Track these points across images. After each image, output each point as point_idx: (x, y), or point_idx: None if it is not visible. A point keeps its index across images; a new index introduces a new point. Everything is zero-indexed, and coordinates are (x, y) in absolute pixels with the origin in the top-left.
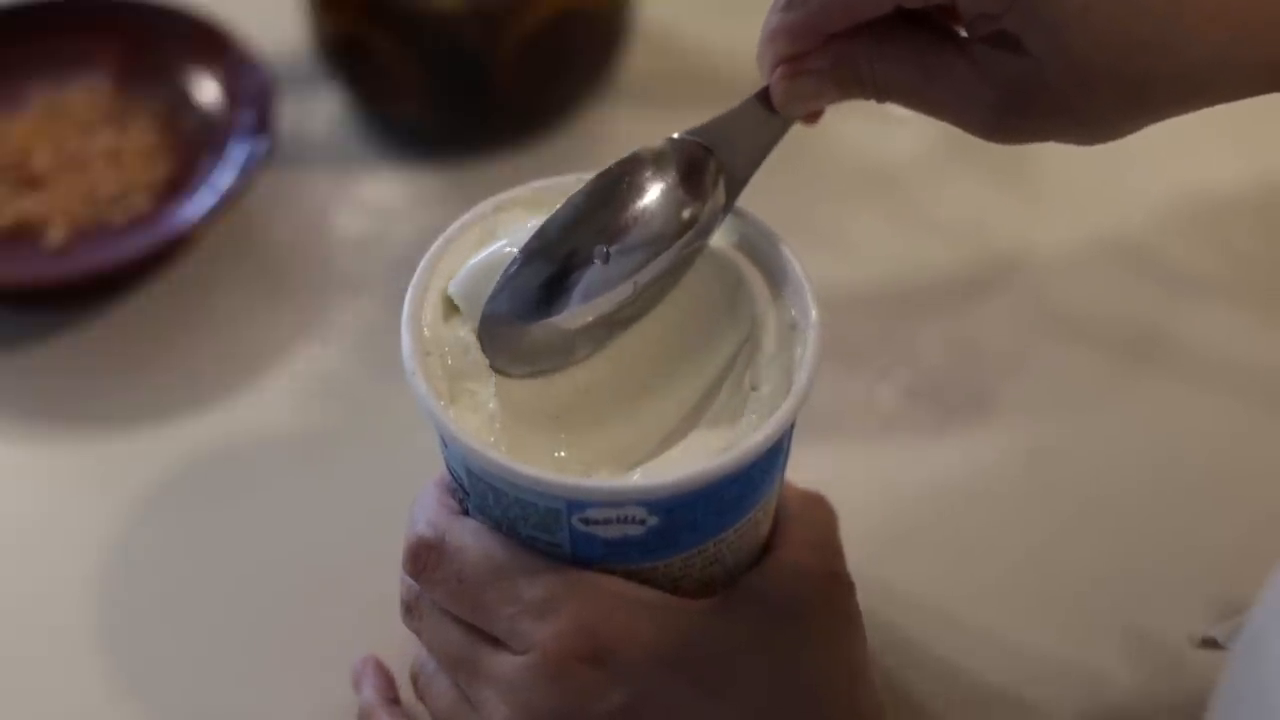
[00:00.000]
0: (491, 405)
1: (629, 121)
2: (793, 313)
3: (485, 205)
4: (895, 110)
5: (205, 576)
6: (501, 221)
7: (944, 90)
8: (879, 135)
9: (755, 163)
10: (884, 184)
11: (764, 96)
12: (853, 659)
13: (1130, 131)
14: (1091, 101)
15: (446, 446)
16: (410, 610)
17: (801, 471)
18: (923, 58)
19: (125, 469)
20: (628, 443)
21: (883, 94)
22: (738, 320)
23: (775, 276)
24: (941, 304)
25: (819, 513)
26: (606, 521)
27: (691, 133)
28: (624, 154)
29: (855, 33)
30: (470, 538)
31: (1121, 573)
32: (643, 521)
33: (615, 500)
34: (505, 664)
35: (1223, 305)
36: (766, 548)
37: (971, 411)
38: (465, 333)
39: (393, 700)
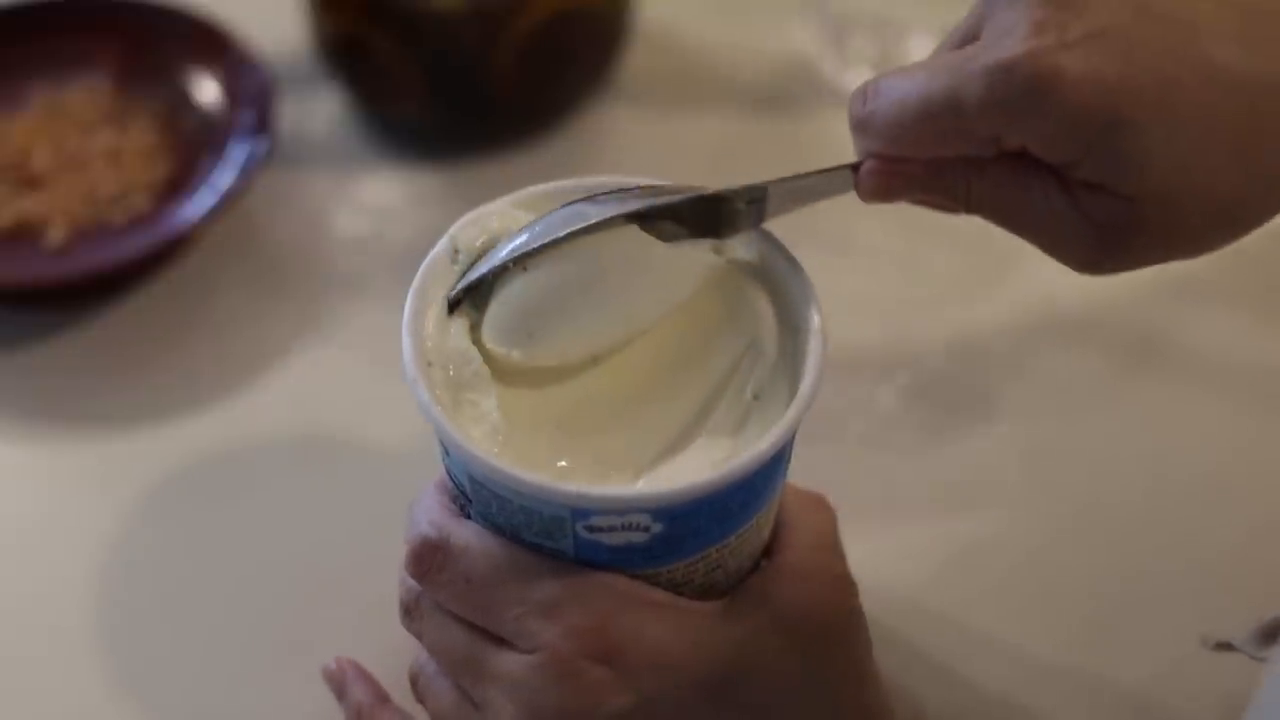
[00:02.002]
0: (494, 416)
1: (629, 121)
2: (796, 319)
3: (484, 209)
4: None
5: (205, 576)
6: (500, 225)
7: (1042, 222)
8: None
9: (792, 209)
10: None
11: (856, 167)
12: (860, 660)
13: (1233, 241)
14: (1188, 231)
15: (449, 454)
16: (410, 612)
17: (802, 472)
18: (1024, 189)
19: (125, 469)
20: (631, 451)
21: (975, 211)
22: (739, 328)
23: (778, 282)
24: (942, 305)
25: (820, 514)
26: (611, 529)
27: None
28: (623, 154)
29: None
30: (475, 539)
31: (1122, 574)
32: (647, 529)
33: (620, 508)
34: (512, 664)
35: (1223, 307)
36: (768, 550)
37: (972, 413)
38: (466, 344)
39: (385, 699)
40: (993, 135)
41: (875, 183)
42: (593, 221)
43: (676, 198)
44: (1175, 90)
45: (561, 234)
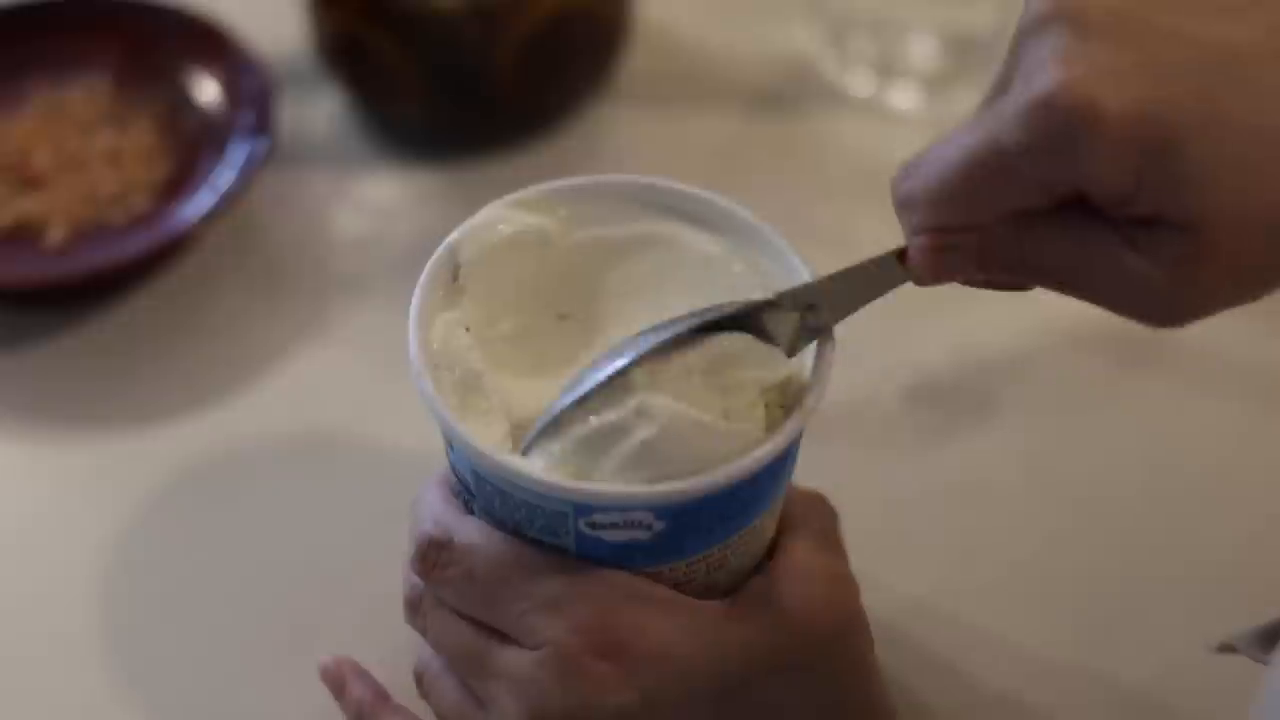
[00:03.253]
0: (501, 422)
1: (629, 121)
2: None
3: (488, 210)
4: (895, 110)
5: (205, 576)
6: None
7: (1106, 276)
8: (880, 136)
9: (851, 311)
10: (885, 185)
11: (900, 255)
12: (862, 659)
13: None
14: (1257, 256)
15: (453, 449)
16: (414, 609)
17: (803, 472)
18: (1081, 244)
19: (125, 469)
20: None
21: (1032, 276)
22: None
23: (785, 285)
24: (943, 305)
25: (821, 513)
26: (613, 526)
27: (807, 292)
28: (623, 154)
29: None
30: (480, 535)
31: (1122, 574)
32: (650, 526)
33: (623, 505)
34: (516, 660)
35: None
36: (770, 550)
37: (973, 413)
38: (474, 356)
39: (385, 697)
40: (1040, 180)
41: (927, 260)
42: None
43: (730, 309)
44: (1223, 108)
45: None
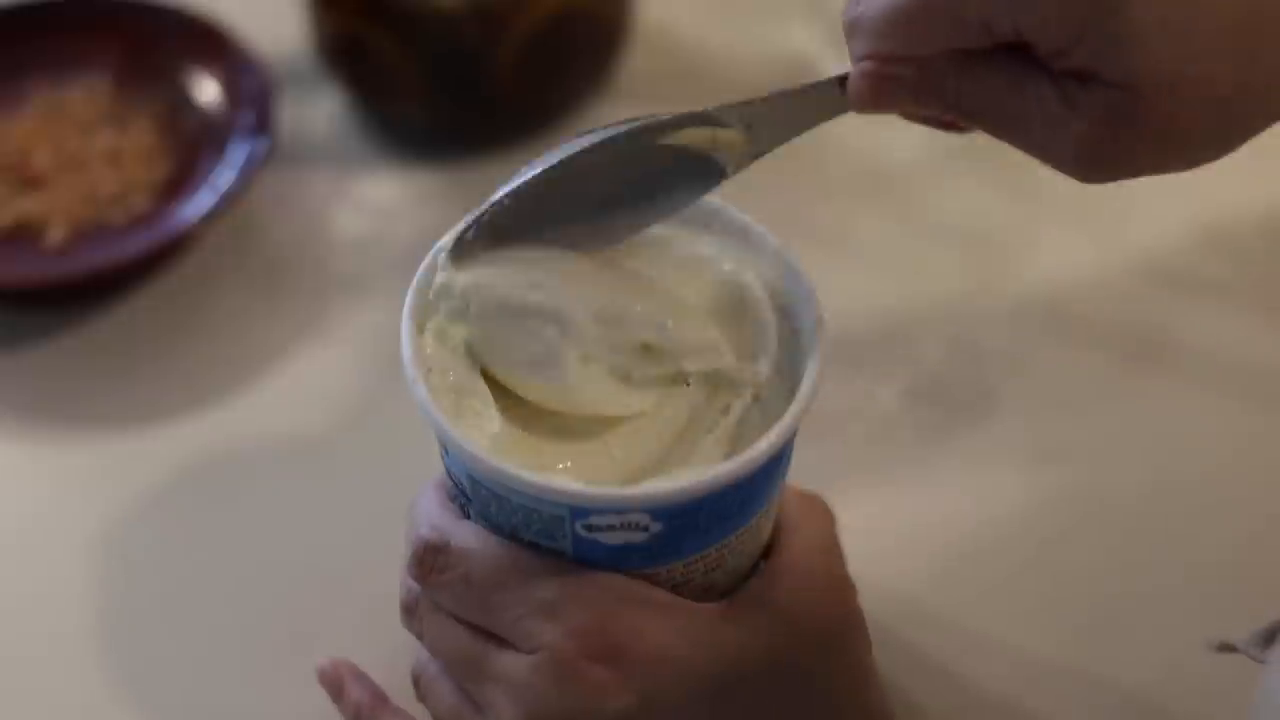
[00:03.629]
0: (496, 421)
1: None
2: (795, 319)
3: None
4: None
5: (205, 577)
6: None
7: (1034, 122)
8: (880, 136)
9: (786, 139)
10: (885, 185)
11: (841, 82)
12: (860, 660)
13: (1229, 150)
14: (1183, 126)
15: (448, 454)
16: (410, 613)
17: (802, 472)
18: (1015, 85)
19: (125, 469)
20: (629, 455)
21: (966, 115)
22: (740, 329)
23: (778, 282)
24: (942, 305)
25: (818, 514)
26: (610, 528)
27: (734, 110)
28: None
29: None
30: (476, 540)
31: (1122, 574)
32: (646, 528)
33: (620, 507)
34: (513, 664)
35: (1225, 306)
36: (767, 551)
37: (973, 413)
38: (466, 358)
39: (384, 699)
40: (983, 20)
41: (866, 85)
42: (587, 145)
43: (665, 117)
44: None
45: (554, 161)
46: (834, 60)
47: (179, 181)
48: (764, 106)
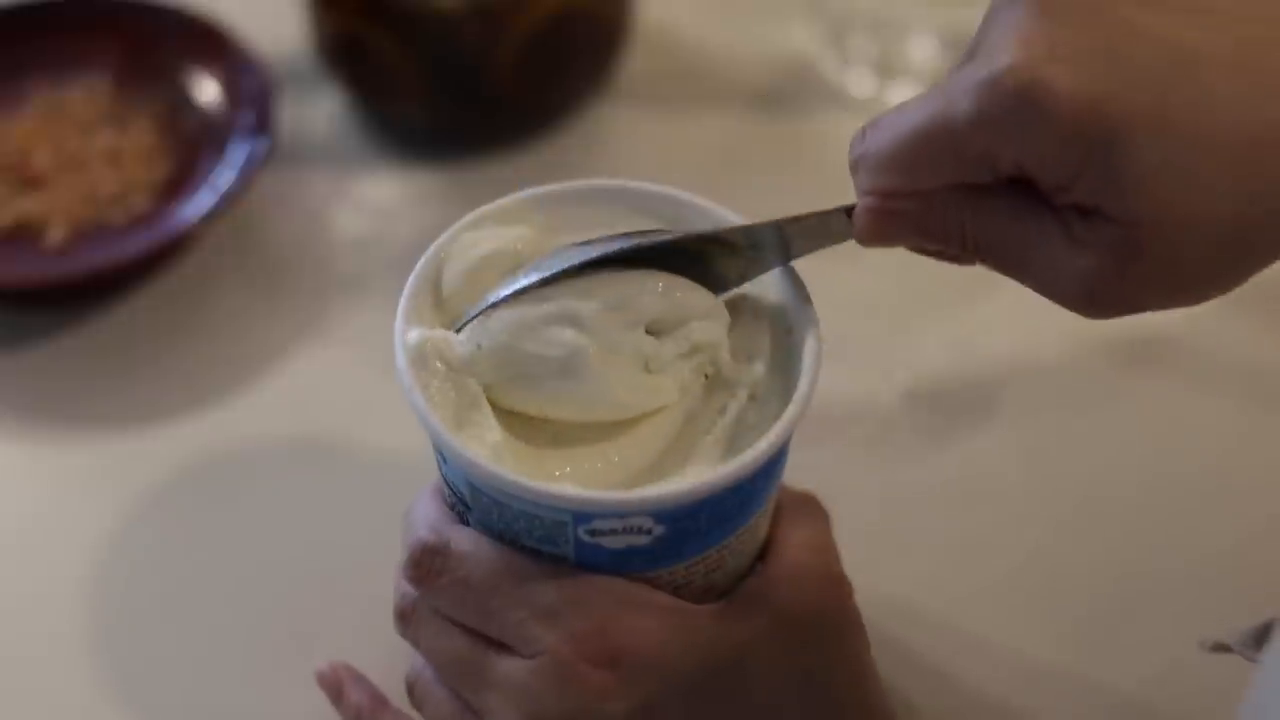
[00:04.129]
0: (496, 433)
1: (629, 121)
2: (790, 319)
3: (465, 220)
4: None
5: (205, 577)
6: (480, 237)
7: (1038, 255)
8: None
9: (794, 257)
10: None
11: (849, 212)
12: (858, 658)
13: (1237, 284)
14: (1188, 261)
15: (447, 462)
16: (405, 618)
17: (801, 472)
18: (1019, 220)
19: (125, 469)
20: (628, 460)
21: (971, 250)
22: (735, 328)
23: (774, 284)
24: (942, 305)
25: (813, 514)
26: (613, 532)
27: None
28: (623, 154)
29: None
30: (475, 543)
31: (1122, 575)
32: (649, 531)
33: (622, 511)
34: (512, 669)
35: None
36: (763, 551)
37: (972, 413)
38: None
39: (384, 702)
40: (985, 155)
41: (870, 220)
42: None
43: (671, 236)
44: (1173, 111)
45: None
46: (834, 60)
47: (179, 181)
48: (775, 229)
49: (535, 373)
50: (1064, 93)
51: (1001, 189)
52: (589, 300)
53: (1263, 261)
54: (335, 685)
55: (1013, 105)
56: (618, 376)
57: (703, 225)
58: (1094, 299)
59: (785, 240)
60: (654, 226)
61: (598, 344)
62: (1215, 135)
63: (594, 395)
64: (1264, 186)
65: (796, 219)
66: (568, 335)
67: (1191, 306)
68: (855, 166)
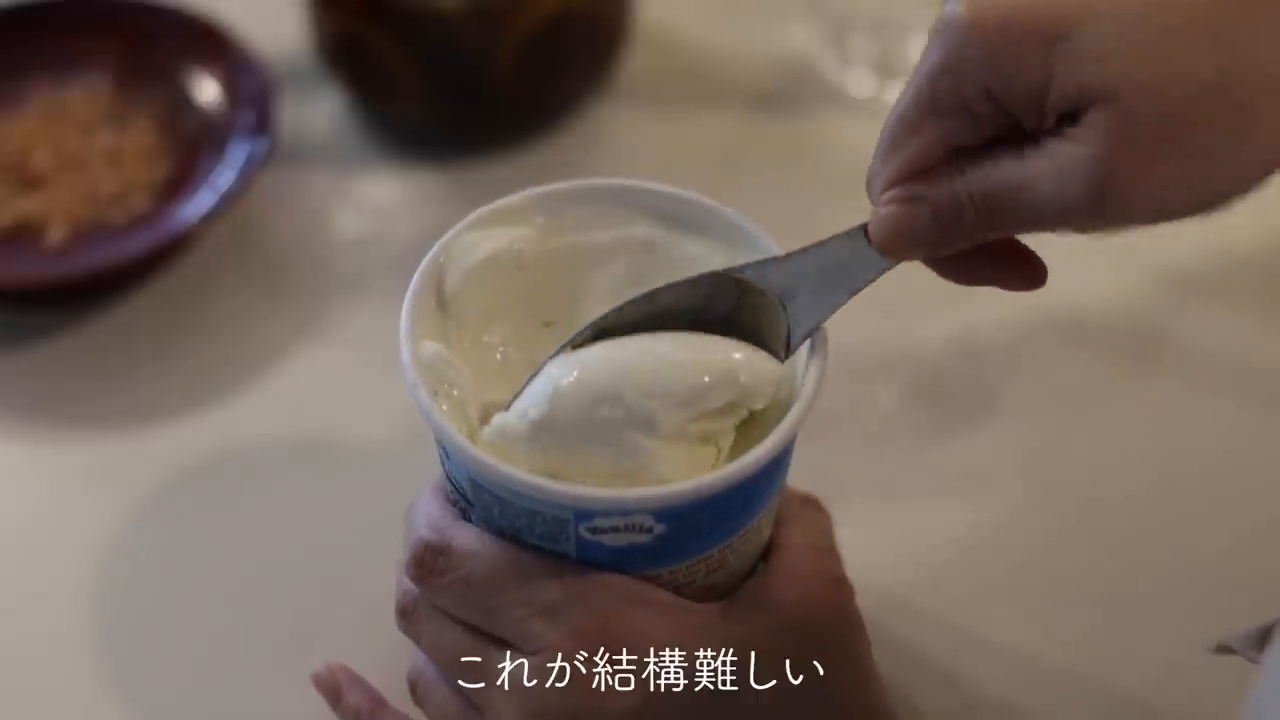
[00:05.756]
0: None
1: (629, 121)
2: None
3: (466, 220)
4: None
5: (205, 577)
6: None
7: (1041, 175)
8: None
9: (830, 310)
10: None
11: (865, 230)
12: (860, 659)
13: (1254, 174)
14: (1183, 126)
15: (449, 458)
16: (407, 616)
17: (802, 472)
18: (1015, 157)
19: (125, 469)
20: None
21: (981, 211)
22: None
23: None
24: (942, 304)
25: (815, 516)
26: (614, 530)
27: (772, 265)
28: (623, 154)
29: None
30: (476, 541)
31: (1123, 575)
32: (650, 530)
33: (624, 509)
34: (514, 666)
35: (1223, 305)
36: (765, 551)
37: (972, 412)
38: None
39: (382, 703)
40: (960, 99)
41: (888, 216)
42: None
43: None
44: (1099, 4)
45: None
46: (834, 60)
47: (179, 181)
48: (792, 263)
49: (594, 462)
50: (993, 15)
51: (993, 145)
52: (660, 393)
53: (1268, 124)
54: (333, 687)
55: (963, 36)
56: (669, 458)
57: (711, 226)
58: (1105, 193)
59: (811, 271)
60: (661, 228)
61: (664, 440)
62: (1148, 13)
63: (640, 471)
64: (1238, 31)
65: (809, 249)
66: (641, 442)
67: (1216, 206)
68: (869, 183)
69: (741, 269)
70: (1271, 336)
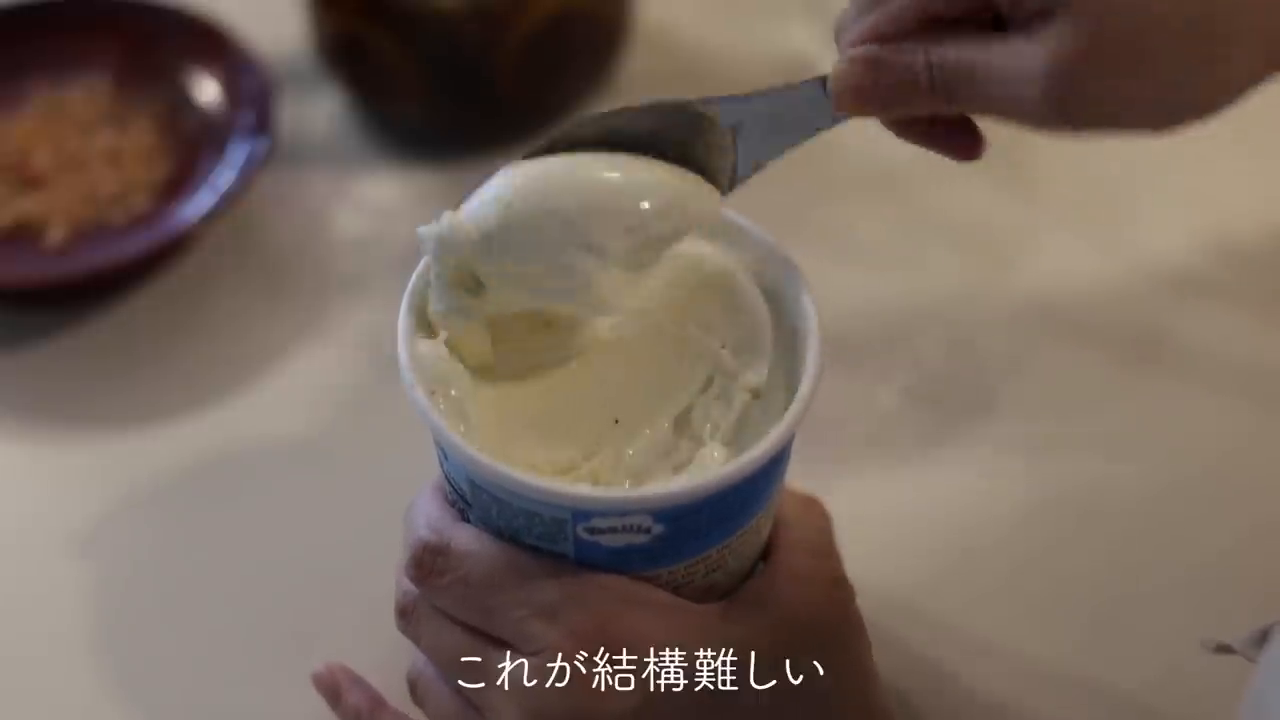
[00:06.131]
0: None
1: None
2: (793, 319)
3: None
4: None
5: (205, 577)
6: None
7: (1002, 62)
8: (880, 136)
9: (778, 153)
10: (885, 185)
11: (824, 80)
12: (860, 660)
13: (1216, 97)
14: (1152, 49)
15: (447, 459)
16: (406, 616)
17: (802, 472)
18: (983, 41)
19: (125, 469)
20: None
21: (942, 88)
22: (735, 324)
23: (773, 282)
24: (942, 305)
25: (815, 517)
26: (612, 530)
27: (728, 102)
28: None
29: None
30: (475, 541)
31: (1123, 575)
32: (648, 530)
33: (622, 509)
34: (514, 666)
35: (1224, 306)
36: (765, 552)
37: (972, 413)
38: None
39: (382, 703)
40: None
41: (847, 74)
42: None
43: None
44: None
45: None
46: (834, 60)
47: (179, 181)
48: (750, 102)
49: (541, 287)
50: None
51: (964, 22)
52: (611, 215)
53: (1241, 61)
54: (332, 687)
55: None
56: (609, 284)
57: (729, 233)
58: (1062, 93)
59: (765, 112)
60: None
61: (608, 263)
62: None
63: (580, 292)
64: None
65: (769, 91)
66: (585, 263)
67: (1173, 127)
68: (837, 33)
69: (696, 101)
70: (1271, 336)
